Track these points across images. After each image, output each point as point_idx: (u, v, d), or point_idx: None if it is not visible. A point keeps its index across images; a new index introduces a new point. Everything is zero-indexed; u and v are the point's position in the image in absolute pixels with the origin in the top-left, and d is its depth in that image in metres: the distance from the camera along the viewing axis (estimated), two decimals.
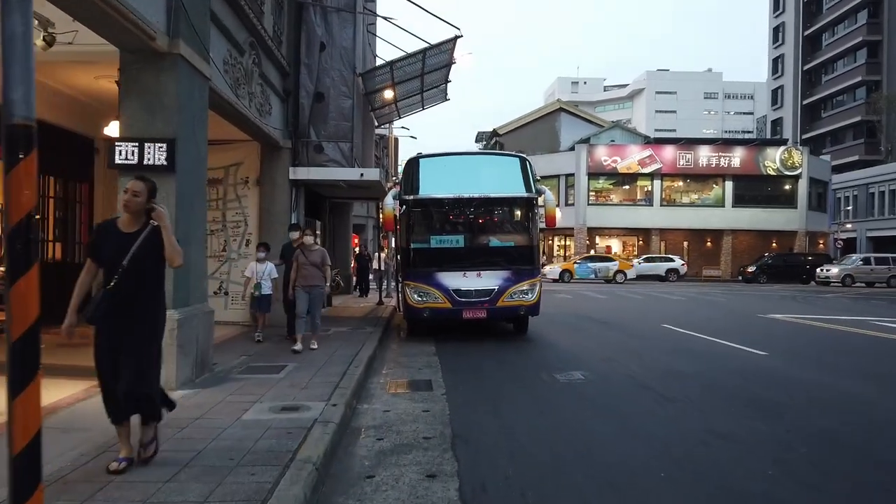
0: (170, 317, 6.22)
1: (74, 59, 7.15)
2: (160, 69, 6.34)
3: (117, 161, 6.26)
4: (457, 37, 12.89)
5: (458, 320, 10.86)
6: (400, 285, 11.81)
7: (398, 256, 12.75)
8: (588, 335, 11.87)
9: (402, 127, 34.45)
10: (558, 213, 11.25)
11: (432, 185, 11.07)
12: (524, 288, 10.75)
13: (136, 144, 6.26)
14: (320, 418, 5.29)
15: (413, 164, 11.38)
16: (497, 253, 11.11)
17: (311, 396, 6.12)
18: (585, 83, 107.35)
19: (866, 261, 34.09)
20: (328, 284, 9.55)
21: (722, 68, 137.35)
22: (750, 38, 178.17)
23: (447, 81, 16.76)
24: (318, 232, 15.20)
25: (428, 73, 14.95)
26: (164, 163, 6.29)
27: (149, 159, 6.27)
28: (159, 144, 6.28)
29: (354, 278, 21.07)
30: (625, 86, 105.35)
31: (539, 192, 11.12)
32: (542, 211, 11.03)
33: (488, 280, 10.66)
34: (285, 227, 11.79)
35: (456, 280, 10.63)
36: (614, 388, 7.24)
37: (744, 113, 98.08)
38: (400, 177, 11.83)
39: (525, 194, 11.04)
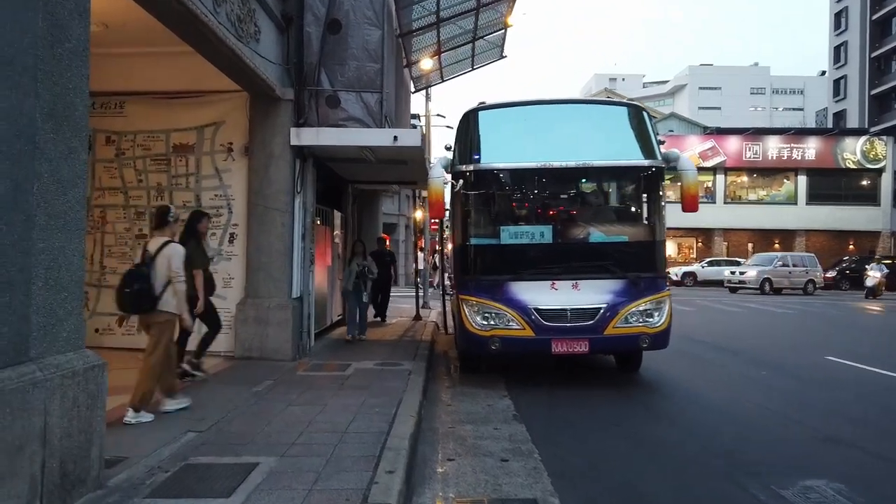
0: None
1: None
2: None
3: None
4: None
5: (543, 356, 7.09)
6: (453, 300, 8.05)
7: (446, 258, 9.00)
8: (732, 377, 7.94)
9: (438, 115, 30.47)
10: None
11: (502, 150, 7.32)
12: (646, 306, 6.89)
13: None
14: None
15: (471, 119, 7.58)
16: (603, 253, 7.22)
17: None
18: (623, 79, 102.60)
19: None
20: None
21: (769, 63, 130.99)
22: (800, 32, 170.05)
23: (506, 27, 12.84)
24: (336, 232, 11.48)
25: (484, 7, 11.08)
26: None
27: None
28: None
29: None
30: (665, 82, 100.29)
31: (669, 159, 7.27)
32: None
33: (591, 294, 6.84)
34: (284, 216, 8.15)
35: (541, 294, 6.83)
36: None
37: (794, 109, 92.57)
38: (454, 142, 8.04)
39: (646, 161, 7.18)
